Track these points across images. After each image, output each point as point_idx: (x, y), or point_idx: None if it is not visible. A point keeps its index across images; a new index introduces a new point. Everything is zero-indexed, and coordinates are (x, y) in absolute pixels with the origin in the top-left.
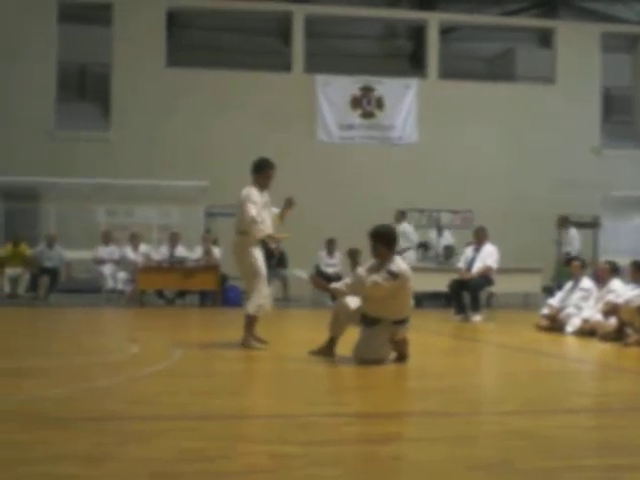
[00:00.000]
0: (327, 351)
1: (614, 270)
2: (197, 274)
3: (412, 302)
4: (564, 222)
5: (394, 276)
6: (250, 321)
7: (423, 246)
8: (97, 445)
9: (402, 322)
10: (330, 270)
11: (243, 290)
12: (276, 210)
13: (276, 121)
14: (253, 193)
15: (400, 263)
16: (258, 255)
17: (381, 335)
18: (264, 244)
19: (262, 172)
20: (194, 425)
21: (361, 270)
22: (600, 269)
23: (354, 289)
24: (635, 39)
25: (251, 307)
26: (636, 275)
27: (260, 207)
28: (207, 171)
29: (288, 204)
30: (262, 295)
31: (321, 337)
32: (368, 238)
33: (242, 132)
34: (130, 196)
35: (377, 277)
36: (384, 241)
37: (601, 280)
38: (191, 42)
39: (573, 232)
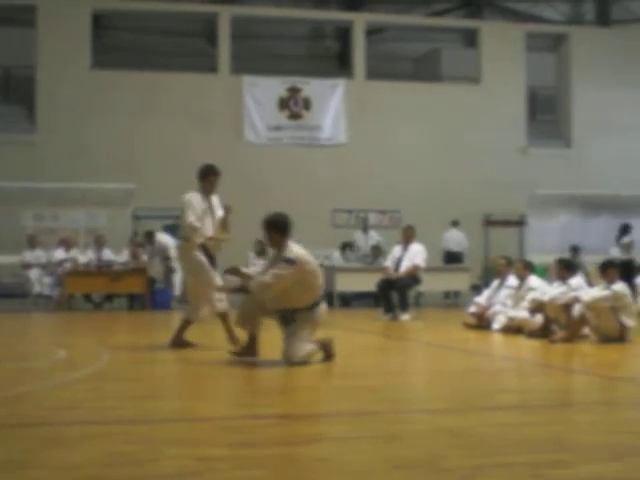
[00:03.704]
0: (249, 351)
1: (529, 268)
2: (125, 277)
3: (321, 283)
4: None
5: (291, 263)
6: (183, 324)
7: (348, 246)
8: (22, 452)
9: (316, 305)
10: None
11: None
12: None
13: (203, 123)
14: (193, 199)
15: (295, 249)
16: (201, 259)
17: (304, 330)
18: (205, 248)
19: (205, 178)
20: (122, 429)
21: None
22: (498, 265)
23: (261, 291)
24: (559, 39)
25: (188, 311)
26: (561, 273)
27: (201, 212)
28: (134, 173)
29: (225, 211)
30: (207, 299)
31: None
32: (262, 228)
33: (169, 134)
34: (56, 199)
35: (276, 269)
36: (277, 229)
37: (519, 277)
38: (117, 44)
39: (456, 232)
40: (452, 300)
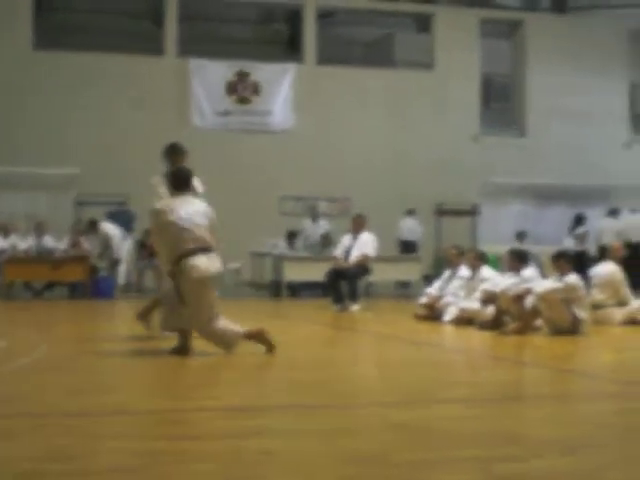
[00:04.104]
0: (182, 350)
1: (482, 258)
2: (66, 265)
3: (187, 237)
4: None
5: (150, 214)
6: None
7: (293, 235)
8: None
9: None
10: None
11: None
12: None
13: (148, 106)
14: (160, 183)
15: (160, 201)
16: None
17: (192, 296)
18: None
19: (168, 158)
20: (60, 422)
21: None
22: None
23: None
24: (514, 25)
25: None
26: (513, 264)
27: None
28: (77, 158)
29: None
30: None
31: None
32: None
33: (113, 118)
34: None
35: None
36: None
37: (471, 268)
38: (59, 24)
39: (411, 221)
40: (403, 291)
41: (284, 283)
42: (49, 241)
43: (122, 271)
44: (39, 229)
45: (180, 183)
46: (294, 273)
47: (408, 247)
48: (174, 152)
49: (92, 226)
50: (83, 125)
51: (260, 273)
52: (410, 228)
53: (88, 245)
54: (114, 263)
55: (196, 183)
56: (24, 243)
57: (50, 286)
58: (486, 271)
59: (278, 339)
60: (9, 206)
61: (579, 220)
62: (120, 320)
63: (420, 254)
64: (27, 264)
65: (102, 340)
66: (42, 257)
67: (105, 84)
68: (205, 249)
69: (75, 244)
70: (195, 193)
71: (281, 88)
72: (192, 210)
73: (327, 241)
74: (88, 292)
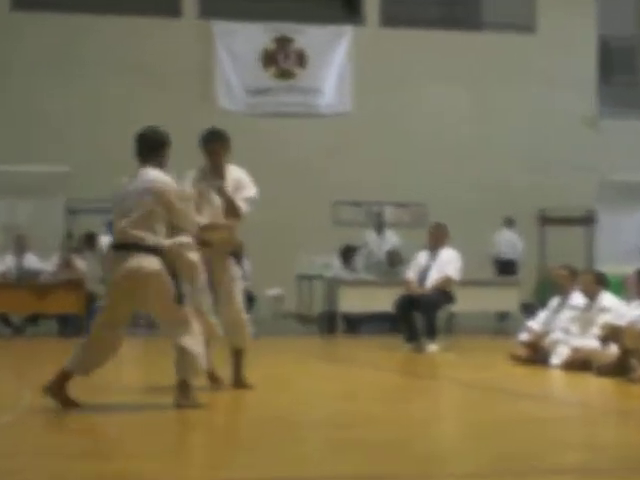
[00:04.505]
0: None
1: (601, 282)
2: (54, 292)
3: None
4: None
5: None
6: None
7: (352, 251)
8: None
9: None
10: None
11: None
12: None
13: (160, 83)
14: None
15: None
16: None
17: None
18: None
19: (204, 148)
20: None
21: None
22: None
23: None
24: None
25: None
26: None
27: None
28: (67, 153)
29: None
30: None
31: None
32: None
33: (115, 99)
34: None
35: None
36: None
37: (587, 295)
38: None
39: (508, 233)
40: (497, 324)
41: (339, 315)
42: (32, 260)
43: None
44: (19, 245)
45: (141, 148)
46: (352, 302)
47: (504, 267)
48: (210, 140)
49: (89, 241)
50: (75, 109)
51: (308, 302)
52: (508, 243)
53: (84, 266)
54: None
55: (238, 177)
56: (0, 264)
57: (34, 319)
58: (607, 299)
59: (331, 389)
60: None
61: None
62: (124, 363)
63: (519, 276)
64: (4, 291)
65: (101, 389)
66: (23, 282)
67: (103, 55)
68: (125, 246)
69: (67, 264)
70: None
71: (334, 58)
72: (132, 188)
73: (396, 259)
74: (83, 327)
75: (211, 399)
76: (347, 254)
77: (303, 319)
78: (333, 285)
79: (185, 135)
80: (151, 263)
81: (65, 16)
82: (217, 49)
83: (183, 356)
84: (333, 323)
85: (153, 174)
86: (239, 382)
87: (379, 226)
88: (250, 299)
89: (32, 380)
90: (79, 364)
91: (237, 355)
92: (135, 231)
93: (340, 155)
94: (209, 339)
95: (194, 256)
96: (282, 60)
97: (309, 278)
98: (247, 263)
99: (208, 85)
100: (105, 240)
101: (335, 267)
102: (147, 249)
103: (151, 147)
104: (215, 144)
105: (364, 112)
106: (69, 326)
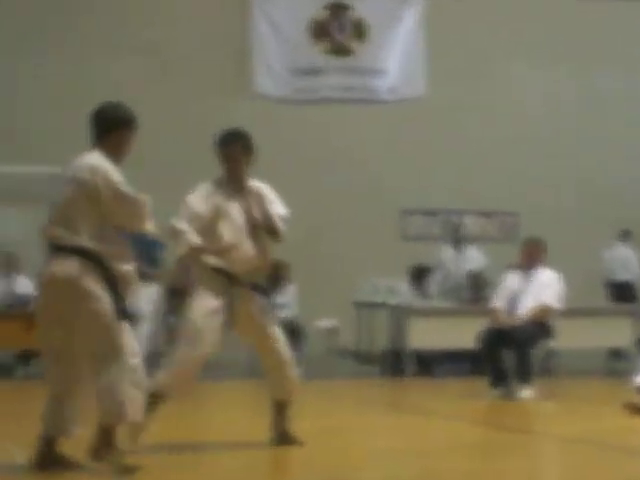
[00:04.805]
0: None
1: None
2: None
3: None
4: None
5: None
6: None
7: (425, 272)
8: None
9: None
10: (281, 314)
11: None
12: None
13: (184, 65)
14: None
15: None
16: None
17: None
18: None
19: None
20: None
21: None
22: None
23: None
24: None
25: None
26: None
27: (204, 211)
28: (69, 148)
29: None
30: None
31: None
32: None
33: (127, 83)
34: None
35: None
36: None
37: None
38: None
39: (624, 250)
40: (608, 364)
41: (408, 352)
42: (24, 285)
43: (143, 333)
44: (9, 265)
45: (91, 128)
46: (425, 336)
47: (617, 291)
48: (228, 143)
49: None
50: (71, 96)
51: (369, 336)
52: (622, 261)
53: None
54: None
55: (264, 192)
56: None
57: (26, 357)
58: None
59: (397, 445)
60: None
61: None
62: None
63: (636, 304)
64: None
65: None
66: (14, 311)
67: (106, 33)
68: (55, 247)
69: None
70: None
71: (400, 31)
72: (68, 175)
73: (479, 282)
74: None
75: (248, 460)
76: (418, 276)
77: (363, 357)
78: (400, 315)
79: (215, 129)
80: (68, 267)
81: None
82: (255, 20)
83: (109, 395)
84: (400, 362)
85: (87, 158)
86: (283, 437)
87: (458, 241)
88: (296, 333)
89: (24, 437)
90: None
91: (280, 407)
92: (52, 228)
93: (408, 152)
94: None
95: (127, 267)
96: (336, 32)
97: (371, 306)
98: (292, 289)
99: (243, 65)
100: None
101: (403, 292)
102: (69, 250)
103: (102, 126)
104: (234, 147)
105: (437, 98)
106: None
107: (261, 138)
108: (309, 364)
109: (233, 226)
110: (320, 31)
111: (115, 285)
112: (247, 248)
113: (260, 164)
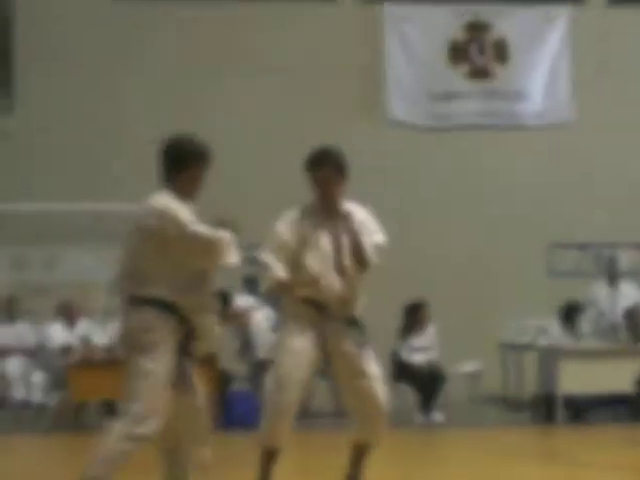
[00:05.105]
0: None
1: None
2: None
3: None
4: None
5: None
6: (359, 451)
7: (575, 311)
8: None
9: None
10: (417, 357)
11: None
12: None
13: (310, 88)
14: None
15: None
16: (289, 339)
17: None
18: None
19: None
20: None
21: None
22: None
23: None
24: None
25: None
26: None
27: (293, 241)
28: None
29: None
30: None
31: None
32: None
33: (242, 105)
34: (52, 232)
35: None
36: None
37: None
38: None
39: None
40: None
41: (560, 397)
42: None
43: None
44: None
45: (160, 164)
46: (577, 379)
47: None
48: (320, 164)
49: (223, 301)
50: (203, 117)
51: (516, 380)
52: None
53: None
54: (259, 368)
55: (362, 218)
56: (103, 334)
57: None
58: None
59: None
60: (80, 270)
61: None
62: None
63: None
64: (107, 371)
65: None
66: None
67: (234, 53)
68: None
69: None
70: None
71: (544, 50)
72: (135, 222)
73: (637, 321)
74: (217, 418)
75: None
76: (569, 315)
77: (510, 403)
78: (550, 357)
79: (348, 157)
80: (138, 319)
81: (182, 4)
82: (387, 41)
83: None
84: (551, 408)
85: (154, 202)
86: None
87: (612, 277)
88: (437, 377)
89: None
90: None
91: (361, 451)
92: (125, 282)
93: (555, 181)
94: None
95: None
96: (476, 54)
97: (517, 348)
98: (432, 330)
99: (375, 89)
100: (243, 301)
101: (553, 333)
102: (143, 301)
103: (174, 162)
104: (327, 170)
105: (587, 123)
106: None
107: (396, 167)
108: (451, 410)
109: (320, 256)
110: (459, 53)
111: (189, 339)
112: (333, 280)
113: (396, 195)
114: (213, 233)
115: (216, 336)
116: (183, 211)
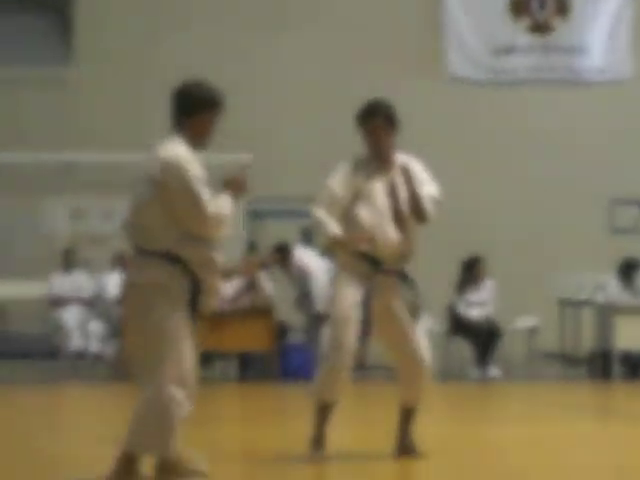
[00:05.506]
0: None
1: None
2: (233, 324)
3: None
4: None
5: None
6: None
7: (631, 268)
8: None
9: None
10: (474, 312)
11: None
12: None
13: (366, 44)
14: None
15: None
16: (343, 290)
17: None
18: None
19: (361, 126)
20: None
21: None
22: None
23: None
24: None
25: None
26: None
27: (345, 194)
28: (246, 136)
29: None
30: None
31: None
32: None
33: (307, 67)
34: (110, 180)
35: None
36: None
37: None
38: None
39: None
40: None
41: (616, 353)
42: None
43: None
44: None
45: (171, 109)
46: (634, 336)
47: None
48: (370, 116)
49: (282, 254)
50: (252, 77)
51: (573, 336)
52: None
53: (272, 288)
54: (316, 320)
55: (414, 169)
56: None
57: (207, 359)
58: None
59: (606, 461)
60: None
61: None
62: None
63: None
64: None
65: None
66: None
67: (292, 12)
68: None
69: (250, 286)
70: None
71: (605, 5)
72: (142, 171)
73: None
74: (274, 370)
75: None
76: (627, 271)
77: (567, 359)
78: (608, 313)
79: (406, 114)
80: (142, 276)
81: None
82: None
83: (143, 414)
84: (608, 365)
85: (162, 150)
86: (404, 448)
87: None
88: (493, 333)
89: (210, 446)
90: None
91: (409, 414)
92: (132, 231)
93: (616, 137)
94: None
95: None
96: (536, 9)
97: (575, 304)
98: (489, 285)
99: (433, 45)
100: (301, 254)
101: (611, 289)
102: (152, 255)
103: (184, 108)
104: (377, 121)
105: None
106: (252, 368)
107: (455, 123)
108: (508, 366)
109: (375, 209)
110: (520, 7)
111: (195, 294)
112: (389, 232)
113: (456, 150)
114: (211, 206)
115: (273, 288)
116: (193, 165)
